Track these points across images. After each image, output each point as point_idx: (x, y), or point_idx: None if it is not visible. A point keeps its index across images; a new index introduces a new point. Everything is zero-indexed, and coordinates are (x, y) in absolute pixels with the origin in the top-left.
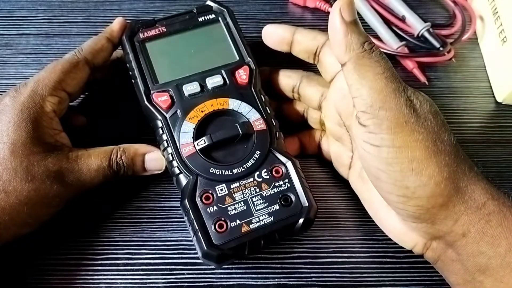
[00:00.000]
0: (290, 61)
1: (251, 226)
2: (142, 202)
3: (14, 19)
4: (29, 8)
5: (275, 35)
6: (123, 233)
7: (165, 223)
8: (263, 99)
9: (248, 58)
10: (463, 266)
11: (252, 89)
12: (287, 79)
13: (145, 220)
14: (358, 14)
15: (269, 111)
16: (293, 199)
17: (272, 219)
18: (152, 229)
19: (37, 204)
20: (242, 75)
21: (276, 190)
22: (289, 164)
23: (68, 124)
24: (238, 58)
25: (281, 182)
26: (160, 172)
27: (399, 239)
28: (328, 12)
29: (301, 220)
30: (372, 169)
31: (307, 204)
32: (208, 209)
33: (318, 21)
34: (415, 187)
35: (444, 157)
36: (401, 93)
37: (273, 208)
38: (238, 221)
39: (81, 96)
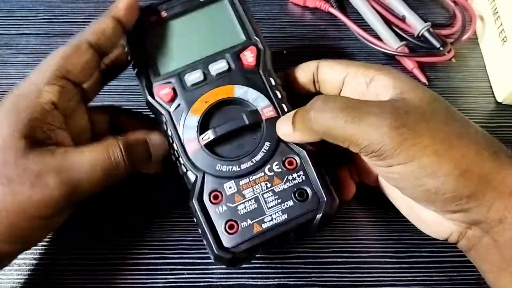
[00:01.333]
0: (290, 61)
1: (263, 226)
2: (142, 202)
3: (14, 19)
4: (29, 8)
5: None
6: (123, 233)
7: (165, 223)
8: (273, 83)
9: (255, 37)
10: (499, 254)
11: (261, 71)
12: (304, 72)
13: (145, 220)
14: (359, 14)
15: (280, 96)
16: (309, 193)
17: (286, 217)
18: (152, 229)
19: (14, 214)
20: (248, 57)
21: (290, 184)
22: (303, 154)
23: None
24: (244, 38)
25: (295, 175)
26: (162, 157)
27: (433, 230)
28: (328, 12)
29: (318, 216)
30: (391, 182)
31: (325, 199)
32: (217, 210)
33: (318, 21)
34: (435, 188)
35: (458, 150)
36: (380, 118)
37: (286, 204)
38: (249, 221)
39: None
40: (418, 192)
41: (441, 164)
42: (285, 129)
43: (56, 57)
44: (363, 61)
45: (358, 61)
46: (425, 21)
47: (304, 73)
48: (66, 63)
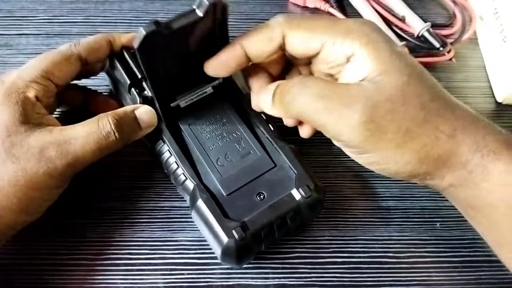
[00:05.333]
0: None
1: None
2: (142, 202)
3: (14, 19)
4: (29, 8)
5: (224, 65)
6: (123, 233)
7: (165, 223)
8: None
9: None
10: (456, 203)
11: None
12: (266, 47)
13: (145, 220)
14: (359, 14)
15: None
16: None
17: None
18: (152, 229)
19: (28, 187)
20: None
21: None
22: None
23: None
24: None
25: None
26: (153, 127)
27: None
28: (328, 12)
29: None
30: (359, 160)
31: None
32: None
33: None
34: (396, 170)
35: (419, 141)
36: (350, 111)
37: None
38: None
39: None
40: (380, 169)
41: (403, 155)
42: (265, 103)
43: (47, 60)
44: None
45: (328, 19)
46: (425, 21)
47: (267, 48)
48: (53, 68)
